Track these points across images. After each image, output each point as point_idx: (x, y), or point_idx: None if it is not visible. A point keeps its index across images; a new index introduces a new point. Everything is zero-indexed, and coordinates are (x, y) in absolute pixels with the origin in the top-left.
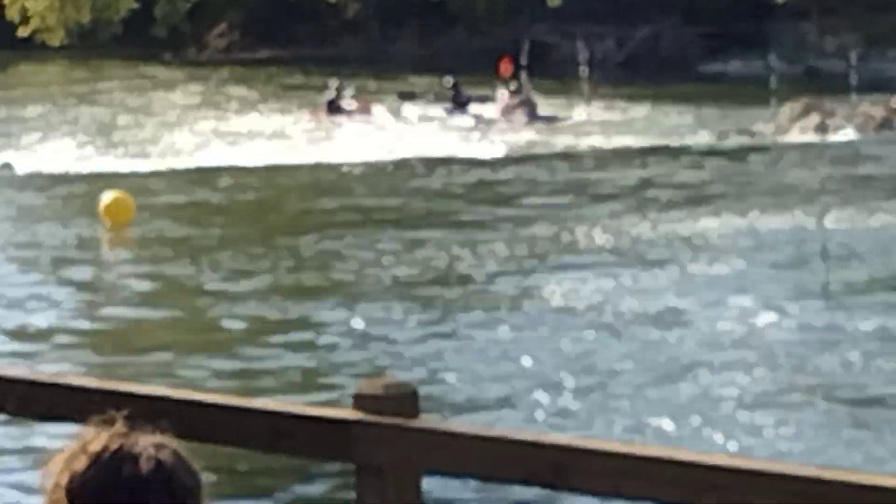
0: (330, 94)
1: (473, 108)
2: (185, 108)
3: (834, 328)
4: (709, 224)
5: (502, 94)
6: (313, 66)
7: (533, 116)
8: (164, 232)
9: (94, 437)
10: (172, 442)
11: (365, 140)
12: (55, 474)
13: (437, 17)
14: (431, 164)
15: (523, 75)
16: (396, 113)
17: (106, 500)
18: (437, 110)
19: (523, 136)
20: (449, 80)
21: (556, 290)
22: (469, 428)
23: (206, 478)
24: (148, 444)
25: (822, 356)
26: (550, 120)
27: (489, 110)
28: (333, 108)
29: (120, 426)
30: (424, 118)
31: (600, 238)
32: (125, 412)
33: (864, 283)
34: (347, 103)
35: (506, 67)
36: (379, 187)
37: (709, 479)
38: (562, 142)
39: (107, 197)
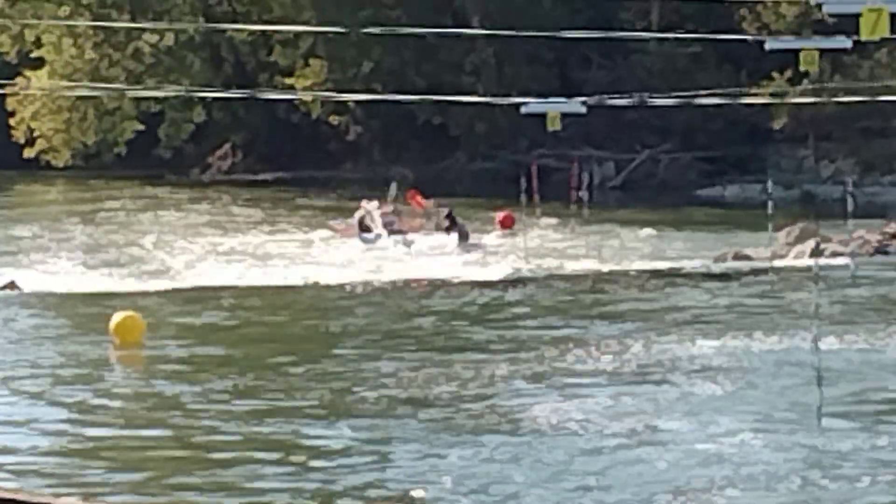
0: (360, 212)
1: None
2: (189, 228)
3: (820, 449)
4: (704, 346)
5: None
6: (314, 188)
7: (463, 241)
8: (171, 352)
9: None
10: None
11: (365, 261)
12: None
13: (439, 141)
14: (432, 286)
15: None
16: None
17: None
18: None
19: (522, 260)
20: (446, 212)
21: (554, 409)
22: None
23: None
24: None
25: (805, 476)
26: (476, 247)
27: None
28: (364, 227)
29: None
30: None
31: (598, 359)
32: None
33: (853, 405)
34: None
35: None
36: (381, 308)
37: None
38: (561, 265)
39: (118, 317)
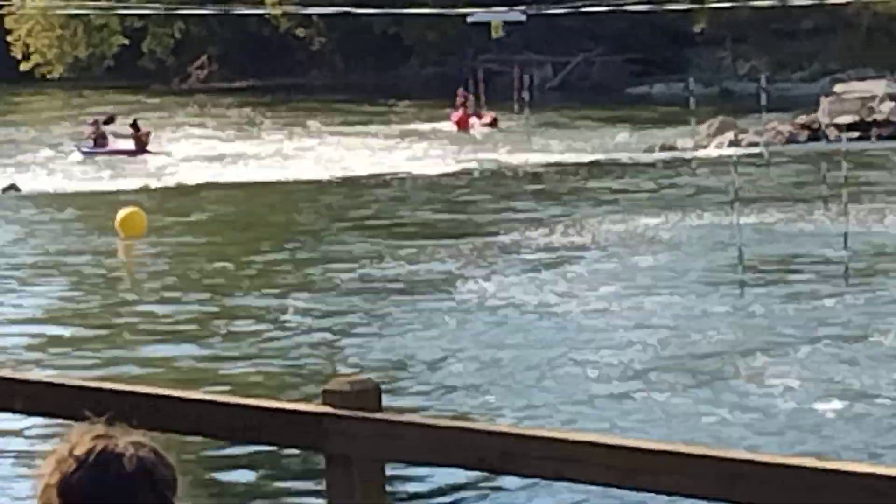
0: (465, 102)
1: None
2: (175, 131)
3: (741, 311)
4: (638, 225)
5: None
6: (283, 94)
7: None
8: (169, 242)
9: (78, 440)
10: (147, 438)
11: (338, 157)
12: (46, 476)
13: (394, 50)
14: (393, 180)
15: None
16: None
17: (96, 499)
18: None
19: (475, 154)
20: (130, 120)
21: (502, 282)
22: (424, 419)
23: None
24: (128, 443)
25: (727, 335)
26: (160, 154)
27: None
28: (478, 114)
29: (100, 427)
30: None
31: (545, 238)
32: (107, 414)
33: (770, 273)
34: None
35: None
36: (350, 199)
37: (640, 462)
38: (504, 159)
39: (122, 212)
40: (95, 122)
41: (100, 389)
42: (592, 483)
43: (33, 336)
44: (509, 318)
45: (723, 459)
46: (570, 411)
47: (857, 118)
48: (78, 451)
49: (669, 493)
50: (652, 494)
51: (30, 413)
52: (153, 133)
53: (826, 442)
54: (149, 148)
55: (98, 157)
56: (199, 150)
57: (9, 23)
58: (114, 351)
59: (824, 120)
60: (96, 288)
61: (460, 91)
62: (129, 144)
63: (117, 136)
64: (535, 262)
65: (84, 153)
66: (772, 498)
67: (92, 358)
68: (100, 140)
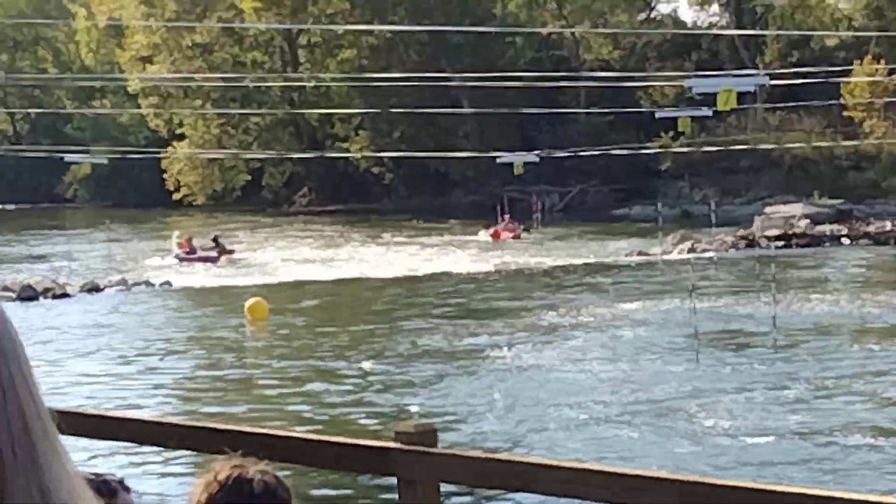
0: (504, 220)
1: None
2: (286, 240)
3: (697, 378)
4: (618, 309)
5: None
6: (363, 216)
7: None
8: (285, 323)
9: (221, 468)
10: (269, 467)
11: (403, 261)
12: (197, 495)
13: (443, 182)
14: (443, 276)
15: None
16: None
17: None
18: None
19: (503, 258)
20: (212, 236)
21: (518, 352)
22: (467, 452)
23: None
24: (256, 470)
25: (684, 398)
26: (236, 261)
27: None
28: (508, 228)
29: (237, 459)
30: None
31: (551, 319)
32: (240, 449)
33: (719, 349)
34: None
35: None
36: (412, 291)
37: (633, 485)
38: (524, 261)
39: (250, 301)
40: (189, 239)
41: (235, 431)
42: (592, 501)
43: (184, 391)
44: (526, 376)
45: (697, 483)
46: (565, 441)
47: (781, 231)
48: (220, 477)
49: None
50: None
51: (181, 448)
52: (239, 244)
53: (755, 466)
54: (230, 257)
55: (190, 263)
56: (302, 256)
57: (164, 164)
58: (243, 401)
59: (758, 233)
60: (231, 356)
61: (503, 215)
62: (213, 254)
63: (205, 248)
64: (545, 335)
65: (180, 259)
66: None
67: (227, 406)
68: (191, 251)
